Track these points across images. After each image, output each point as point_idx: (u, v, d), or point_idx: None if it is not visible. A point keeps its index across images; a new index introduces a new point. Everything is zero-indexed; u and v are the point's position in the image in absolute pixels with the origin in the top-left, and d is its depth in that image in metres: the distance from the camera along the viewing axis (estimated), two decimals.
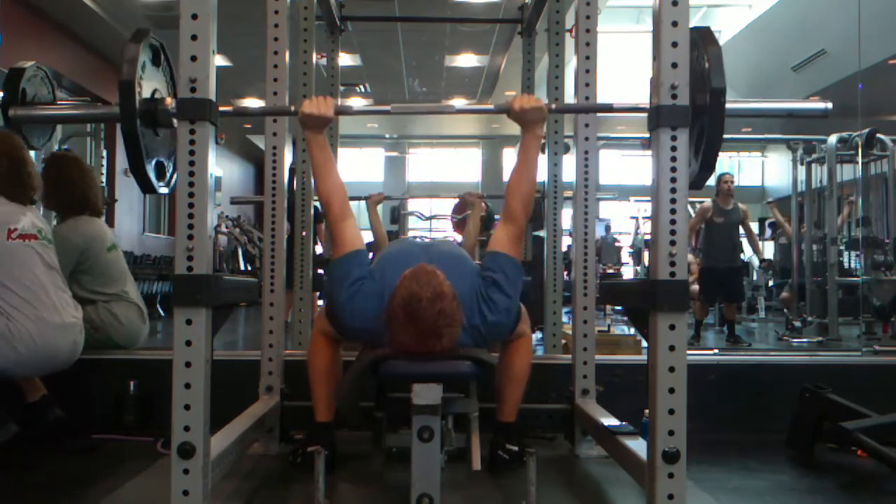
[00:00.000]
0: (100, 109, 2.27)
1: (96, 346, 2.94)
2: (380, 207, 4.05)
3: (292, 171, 3.53)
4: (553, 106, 2.63)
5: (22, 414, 2.58)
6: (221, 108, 1.70)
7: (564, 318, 3.49)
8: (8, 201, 2.56)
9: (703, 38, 1.66)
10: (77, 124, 6.57)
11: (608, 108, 2.12)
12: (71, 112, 2.58)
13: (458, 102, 15.58)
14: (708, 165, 1.67)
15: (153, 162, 1.78)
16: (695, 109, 1.63)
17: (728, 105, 1.62)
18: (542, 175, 3.50)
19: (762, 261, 8.68)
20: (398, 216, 5.96)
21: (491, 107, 2.12)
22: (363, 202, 3.94)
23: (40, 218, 2.69)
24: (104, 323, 3.02)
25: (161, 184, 1.82)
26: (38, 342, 2.45)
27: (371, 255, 2.25)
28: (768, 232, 9.63)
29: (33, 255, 2.53)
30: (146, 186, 1.76)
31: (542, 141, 2.36)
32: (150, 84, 1.74)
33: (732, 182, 6.85)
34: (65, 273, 2.75)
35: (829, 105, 1.87)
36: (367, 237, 2.79)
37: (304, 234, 3.58)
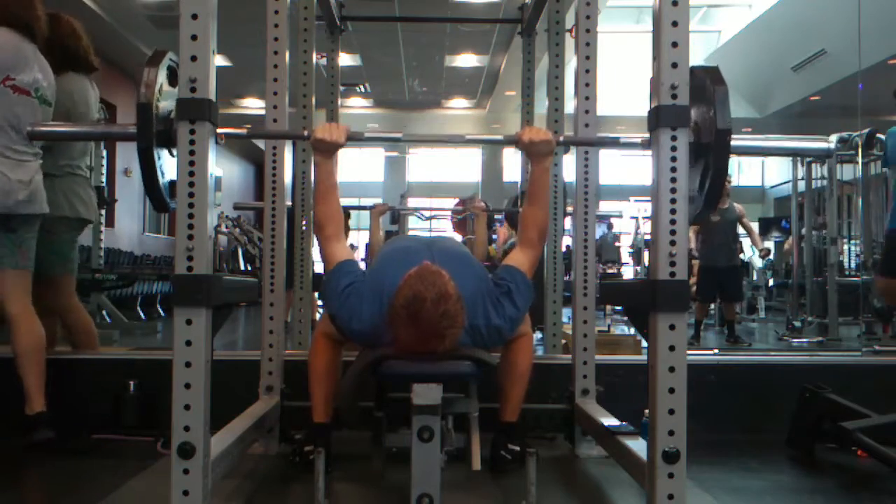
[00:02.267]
0: (116, 129, 2.32)
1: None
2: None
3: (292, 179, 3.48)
4: (561, 138, 2.69)
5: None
6: (227, 130, 1.73)
7: (564, 318, 3.49)
8: (22, 39, 2.58)
9: (711, 78, 1.66)
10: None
11: (615, 143, 2.17)
12: (87, 130, 2.62)
13: (462, 102, 15.61)
14: (711, 202, 1.69)
15: (167, 181, 1.79)
16: (701, 147, 1.67)
17: (734, 143, 1.65)
18: (550, 202, 3.49)
19: (762, 250, 8.62)
20: (398, 216, 5.96)
21: (500, 137, 2.15)
22: (362, 204, 3.94)
23: (48, 75, 2.68)
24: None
25: (174, 202, 1.82)
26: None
27: (365, 265, 2.28)
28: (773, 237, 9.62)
29: (18, 106, 2.55)
30: (160, 206, 1.77)
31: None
32: (166, 104, 1.74)
33: (729, 182, 6.86)
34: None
35: (832, 145, 1.89)
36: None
37: (304, 222, 3.56)
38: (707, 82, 1.66)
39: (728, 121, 1.62)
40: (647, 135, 1.68)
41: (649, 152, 1.66)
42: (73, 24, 3.12)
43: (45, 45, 2.86)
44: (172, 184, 1.80)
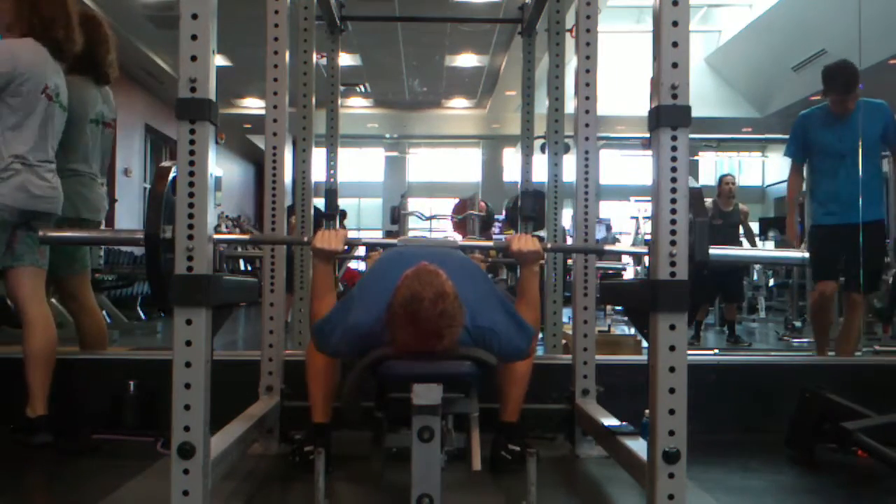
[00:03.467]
0: (124, 236, 2.39)
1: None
2: (379, 218, 4.10)
3: (290, 210, 3.43)
4: (549, 245, 2.80)
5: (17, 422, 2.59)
6: (223, 237, 1.74)
7: (564, 318, 3.49)
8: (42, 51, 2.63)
9: (693, 204, 1.67)
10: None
11: (600, 251, 2.29)
12: (97, 236, 2.67)
13: (462, 102, 15.59)
14: (689, 317, 1.67)
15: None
16: None
17: (713, 252, 1.76)
18: (542, 175, 3.51)
19: None
20: (398, 216, 5.96)
21: (490, 244, 2.24)
22: (362, 203, 3.95)
23: (62, 81, 2.74)
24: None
25: None
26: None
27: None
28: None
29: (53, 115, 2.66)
30: (163, 305, 1.76)
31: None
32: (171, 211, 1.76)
33: (734, 184, 6.85)
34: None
35: (807, 255, 1.93)
36: (371, 235, 2.84)
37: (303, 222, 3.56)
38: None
39: (706, 254, 1.71)
40: (646, 133, 1.68)
41: (650, 152, 1.66)
42: (109, 32, 3.18)
43: (20, 11, 2.79)
44: None
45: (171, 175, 1.77)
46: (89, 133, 3.09)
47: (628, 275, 10.51)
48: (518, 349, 2.15)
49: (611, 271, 5.58)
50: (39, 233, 2.18)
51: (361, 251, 4.70)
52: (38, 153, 2.62)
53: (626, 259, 11.64)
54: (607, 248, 2.29)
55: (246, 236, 1.97)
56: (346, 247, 2.19)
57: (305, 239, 2.29)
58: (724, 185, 6.71)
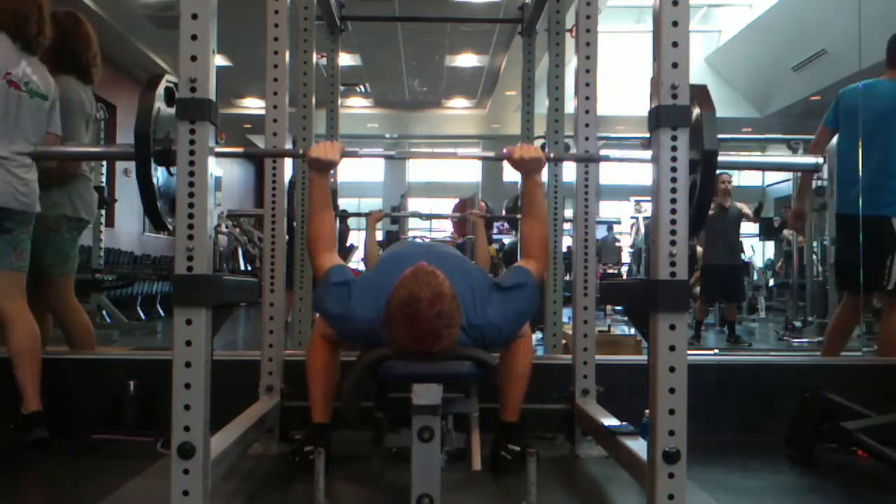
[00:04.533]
0: (116, 149, 2.35)
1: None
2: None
3: (292, 184, 3.53)
4: (551, 154, 2.73)
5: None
6: (222, 150, 1.73)
7: (564, 318, 3.49)
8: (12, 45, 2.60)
9: (699, 99, 1.67)
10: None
11: (606, 159, 2.24)
12: (89, 150, 2.63)
13: (462, 102, 15.59)
14: (700, 217, 1.69)
15: (167, 200, 1.80)
16: (689, 164, 1.66)
17: (721, 159, 1.68)
18: (542, 175, 3.50)
19: (757, 210, 8.40)
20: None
21: (491, 154, 2.19)
22: (362, 203, 3.95)
23: (39, 70, 2.69)
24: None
25: (171, 219, 1.83)
26: None
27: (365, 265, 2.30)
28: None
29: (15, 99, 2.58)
30: (158, 224, 1.78)
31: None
32: (164, 125, 1.75)
33: (730, 182, 6.88)
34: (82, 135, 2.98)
35: (820, 160, 1.90)
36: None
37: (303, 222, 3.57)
38: (695, 103, 1.66)
39: (715, 142, 1.65)
40: (645, 135, 1.68)
41: (649, 153, 1.66)
42: (89, 31, 3.16)
43: (59, 46, 2.94)
44: (171, 201, 1.81)
45: (163, 83, 1.75)
46: (88, 134, 3.11)
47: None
48: (520, 322, 2.17)
49: (610, 272, 5.58)
50: (31, 148, 2.10)
51: (361, 253, 4.71)
52: (12, 145, 2.54)
53: (626, 259, 11.67)
54: (607, 154, 2.23)
55: (240, 149, 1.95)
56: (342, 158, 2.14)
57: (301, 151, 2.24)
58: (721, 184, 6.73)
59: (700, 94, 1.67)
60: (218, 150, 1.68)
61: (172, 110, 1.78)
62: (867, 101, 3.41)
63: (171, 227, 1.80)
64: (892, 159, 3.34)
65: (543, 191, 2.27)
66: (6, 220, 2.58)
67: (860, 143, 3.40)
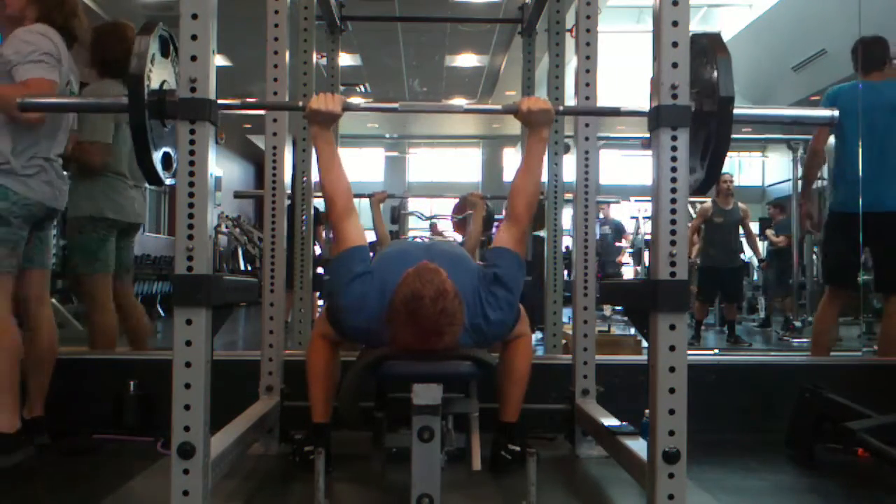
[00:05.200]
0: (108, 101, 2.31)
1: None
2: (382, 206, 4.07)
3: (292, 179, 3.55)
4: (560, 108, 2.65)
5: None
6: (224, 101, 1.69)
7: (564, 318, 3.49)
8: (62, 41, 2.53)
9: (713, 46, 1.64)
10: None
11: (615, 112, 2.15)
12: (79, 102, 2.61)
13: (462, 102, 15.59)
14: (713, 172, 1.66)
15: (160, 153, 1.78)
16: (702, 115, 1.63)
17: (736, 111, 1.62)
18: (542, 175, 3.50)
19: (761, 261, 8.68)
20: (398, 216, 5.96)
21: (498, 107, 2.12)
22: (365, 200, 3.95)
23: (73, 64, 2.66)
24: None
25: (168, 174, 1.81)
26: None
27: (372, 253, 2.24)
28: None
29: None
30: (152, 178, 1.75)
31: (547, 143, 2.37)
32: (158, 75, 1.73)
33: (732, 182, 6.87)
34: (111, 133, 3.10)
35: (836, 113, 1.85)
36: (370, 236, 2.81)
37: (303, 227, 3.58)
38: (709, 49, 1.64)
39: (731, 89, 1.59)
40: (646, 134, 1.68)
41: (649, 152, 1.66)
42: (131, 35, 3.22)
43: (99, 54, 3.14)
44: (166, 156, 1.80)
45: (157, 30, 1.72)
46: (123, 135, 3.20)
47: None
48: (514, 319, 2.16)
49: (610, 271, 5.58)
50: (18, 99, 2.09)
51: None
52: (55, 147, 2.57)
53: (625, 259, 11.67)
54: (616, 106, 2.16)
55: (237, 100, 1.86)
56: (344, 110, 2.03)
57: (301, 104, 2.11)
58: (723, 184, 6.72)
59: (714, 41, 1.64)
60: (221, 101, 1.66)
61: (167, 61, 1.77)
62: (869, 100, 3.41)
63: (166, 182, 1.79)
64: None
65: (545, 147, 2.17)
66: (48, 219, 2.61)
67: (860, 143, 3.43)
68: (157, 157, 1.75)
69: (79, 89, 2.86)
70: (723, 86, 1.60)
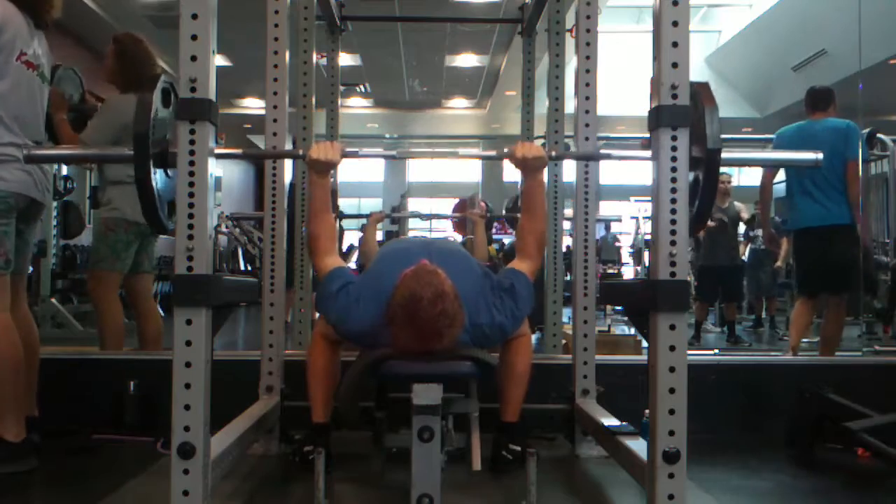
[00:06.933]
0: (112, 151, 2.28)
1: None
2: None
3: (292, 185, 3.58)
4: (553, 153, 2.75)
5: None
6: (222, 151, 1.74)
7: (564, 318, 3.49)
8: (24, 21, 2.40)
9: (701, 95, 1.65)
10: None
11: (607, 157, 2.25)
12: (84, 153, 2.64)
13: (462, 102, 15.60)
14: (701, 216, 1.68)
15: (165, 203, 1.79)
16: (691, 161, 1.65)
17: (725, 156, 1.65)
18: (543, 174, 3.50)
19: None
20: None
21: (493, 153, 2.20)
22: (362, 203, 3.95)
23: (46, 49, 2.54)
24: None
25: (172, 222, 1.82)
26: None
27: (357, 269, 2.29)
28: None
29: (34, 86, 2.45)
30: (158, 227, 1.76)
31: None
32: (161, 126, 1.74)
33: (729, 182, 6.89)
34: (102, 140, 3.05)
35: (821, 156, 1.91)
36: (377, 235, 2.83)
37: (303, 227, 3.59)
38: (697, 98, 1.65)
39: (718, 141, 1.62)
40: (645, 135, 1.68)
41: (650, 152, 1.66)
42: (149, 49, 3.33)
43: (120, 66, 3.20)
44: (170, 204, 1.80)
45: (160, 84, 1.74)
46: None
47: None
48: (520, 317, 2.17)
49: (610, 272, 5.58)
50: (25, 151, 2.02)
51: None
52: (29, 132, 2.41)
53: (625, 259, 11.67)
54: (608, 152, 2.24)
55: (239, 150, 1.92)
56: (342, 158, 2.12)
57: (301, 152, 2.23)
58: (720, 184, 6.72)
59: (702, 90, 1.65)
60: (218, 150, 1.68)
61: (169, 111, 1.79)
62: (802, 140, 4.08)
63: (170, 230, 1.79)
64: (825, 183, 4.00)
65: (544, 189, 2.27)
66: (33, 216, 2.47)
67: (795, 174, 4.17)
68: (161, 208, 1.75)
69: (52, 72, 2.78)
70: (710, 138, 1.62)
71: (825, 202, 3.98)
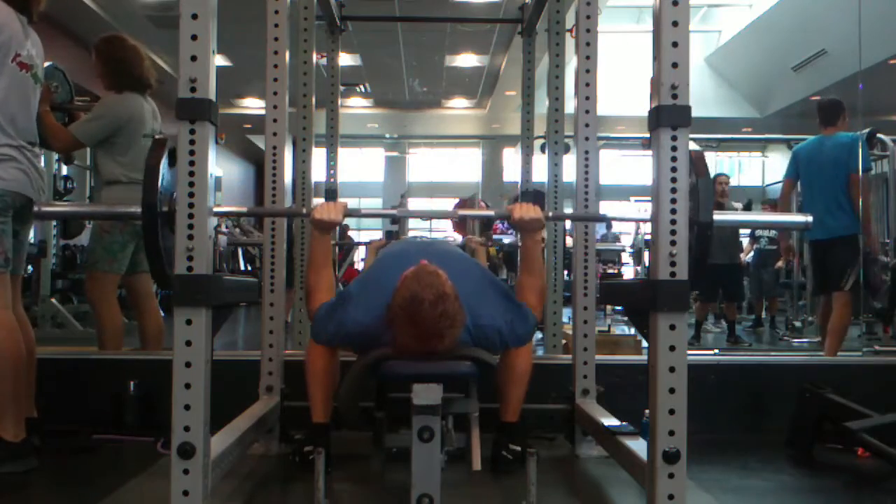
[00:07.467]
0: (123, 210, 2.27)
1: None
2: (378, 218, 4.13)
3: (290, 242, 3.55)
4: (550, 214, 2.77)
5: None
6: (220, 210, 1.78)
7: (564, 318, 3.49)
8: (17, 19, 2.39)
9: (695, 165, 1.66)
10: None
11: (603, 219, 2.26)
12: (93, 210, 2.64)
13: (462, 102, 15.60)
14: (696, 279, 1.66)
15: (172, 259, 1.78)
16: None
17: (717, 218, 1.68)
18: (542, 175, 3.51)
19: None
20: (398, 217, 5.96)
21: (491, 213, 2.23)
22: (362, 203, 3.97)
23: (39, 47, 2.53)
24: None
25: None
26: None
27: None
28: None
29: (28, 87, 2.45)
30: (163, 282, 1.75)
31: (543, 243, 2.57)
32: (167, 186, 1.75)
33: (727, 183, 6.90)
34: (94, 140, 3.15)
35: (810, 219, 1.94)
36: (371, 235, 2.86)
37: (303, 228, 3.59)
38: (693, 170, 1.64)
39: (709, 215, 1.65)
40: (645, 133, 1.68)
41: (650, 152, 1.66)
42: (137, 48, 3.35)
43: (107, 66, 3.22)
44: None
45: (167, 146, 1.75)
46: (144, 147, 3.21)
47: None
48: (518, 338, 2.19)
49: (610, 272, 5.59)
50: (35, 208, 2.07)
51: (362, 252, 4.72)
52: (24, 135, 2.41)
53: (625, 259, 11.67)
54: (609, 216, 2.28)
55: (243, 208, 1.96)
56: (346, 217, 2.21)
57: (304, 210, 2.30)
58: (718, 185, 6.74)
59: (697, 159, 1.67)
60: (216, 209, 1.70)
61: (172, 170, 1.78)
62: (818, 154, 4.35)
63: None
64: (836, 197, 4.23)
65: (542, 248, 2.34)
66: (28, 217, 2.46)
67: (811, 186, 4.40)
68: (168, 264, 1.74)
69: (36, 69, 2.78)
70: (702, 212, 1.64)
71: (824, 217, 4.18)
